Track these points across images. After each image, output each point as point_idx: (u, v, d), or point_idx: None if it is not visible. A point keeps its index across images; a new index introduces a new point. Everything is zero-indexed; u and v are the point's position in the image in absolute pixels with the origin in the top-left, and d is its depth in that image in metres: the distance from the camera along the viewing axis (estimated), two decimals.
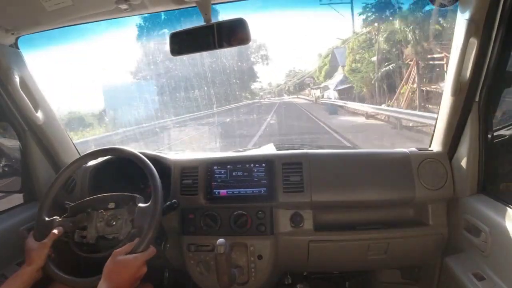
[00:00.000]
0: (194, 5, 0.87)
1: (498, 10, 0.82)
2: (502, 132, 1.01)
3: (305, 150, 1.20)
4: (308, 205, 1.11)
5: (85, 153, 1.08)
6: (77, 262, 0.96)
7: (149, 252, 0.83)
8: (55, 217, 0.95)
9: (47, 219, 0.94)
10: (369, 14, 9.87)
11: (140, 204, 0.91)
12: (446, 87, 0.99)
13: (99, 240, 0.93)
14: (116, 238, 0.91)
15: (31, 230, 0.96)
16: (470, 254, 0.97)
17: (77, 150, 1.39)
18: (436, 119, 1.12)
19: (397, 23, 8.90)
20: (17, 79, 1.06)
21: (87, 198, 1.01)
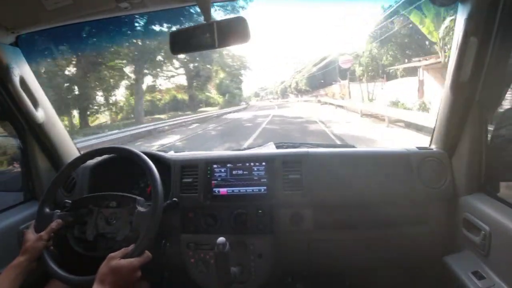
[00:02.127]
0: (195, 3, 0.87)
1: (498, 9, 0.82)
2: (502, 131, 1.01)
3: (305, 149, 1.20)
4: (308, 204, 1.11)
5: (85, 152, 1.08)
6: (73, 259, 0.96)
7: (144, 257, 0.83)
8: (56, 210, 0.95)
9: (48, 211, 0.94)
10: None
11: (140, 208, 0.91)
12: (446, 86, 0.99)
13: (97, 238, 0.93)
14: (114, 238, 0.92)
15: None
16: (469, 253, 0.97)
17: (77, 149, 1.39)
18: (436, 118, 1.12)
19: None
20: (17, 78, 1.06)
21: (90, 195, 1.01)
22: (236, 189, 1.14)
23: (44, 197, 0.97)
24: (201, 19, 0.88)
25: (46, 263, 0.87)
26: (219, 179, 1.16)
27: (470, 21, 0.84)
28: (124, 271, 0.77)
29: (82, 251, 0.93)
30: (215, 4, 0.90)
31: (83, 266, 0.88)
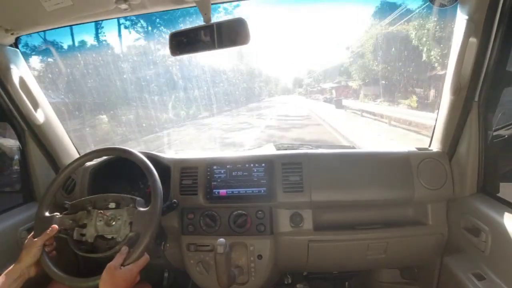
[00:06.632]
0: (194, 5, 0.87)
1: (498, 9, 0.82)
2: (501, 131, 1.01)
3: (304, 150, 1.20)
4: (307, 205, 1.11)
5: (85, 153, 1.08)
6: (74, 261, 0.95)
7: (143, 260, 0.84)
8: (55, 213, 0.94)
9: (47, 215, 0.94)
10: None
11: (140, 208, 0.91)
12: (446, 87, 0.99)
13: (97, 240, 0.93)
14: (114, 239, 0.92)
15: (30, 230, 0.96)
16: (469, 254, 0.97)
17: (77, 150, 1.39)
18: (436, 119, 1.12)
19: None
20: (17, 79, 1.06)
21: (88, 197, 1.01)
22: (235, 190, 1.14)
23: (42, 201, 0.96)
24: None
25: (47, 266, 0.86)
26: (218, 180, 1.16)
27: (469, 22, 0.84)
28: (126, 278, 0.80)
29: (83, 253, 0.93)
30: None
31: (85, 267, 0.88)
